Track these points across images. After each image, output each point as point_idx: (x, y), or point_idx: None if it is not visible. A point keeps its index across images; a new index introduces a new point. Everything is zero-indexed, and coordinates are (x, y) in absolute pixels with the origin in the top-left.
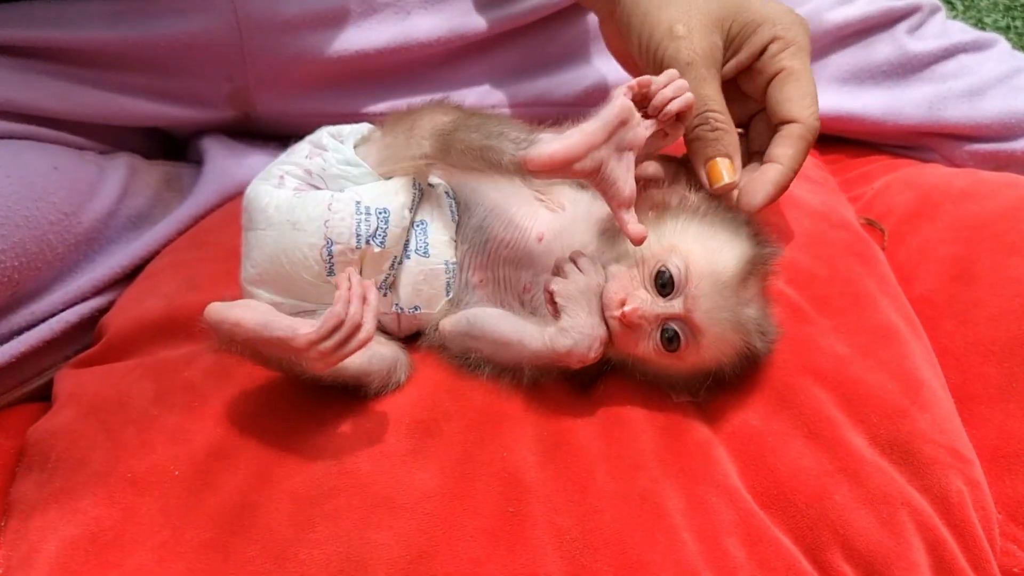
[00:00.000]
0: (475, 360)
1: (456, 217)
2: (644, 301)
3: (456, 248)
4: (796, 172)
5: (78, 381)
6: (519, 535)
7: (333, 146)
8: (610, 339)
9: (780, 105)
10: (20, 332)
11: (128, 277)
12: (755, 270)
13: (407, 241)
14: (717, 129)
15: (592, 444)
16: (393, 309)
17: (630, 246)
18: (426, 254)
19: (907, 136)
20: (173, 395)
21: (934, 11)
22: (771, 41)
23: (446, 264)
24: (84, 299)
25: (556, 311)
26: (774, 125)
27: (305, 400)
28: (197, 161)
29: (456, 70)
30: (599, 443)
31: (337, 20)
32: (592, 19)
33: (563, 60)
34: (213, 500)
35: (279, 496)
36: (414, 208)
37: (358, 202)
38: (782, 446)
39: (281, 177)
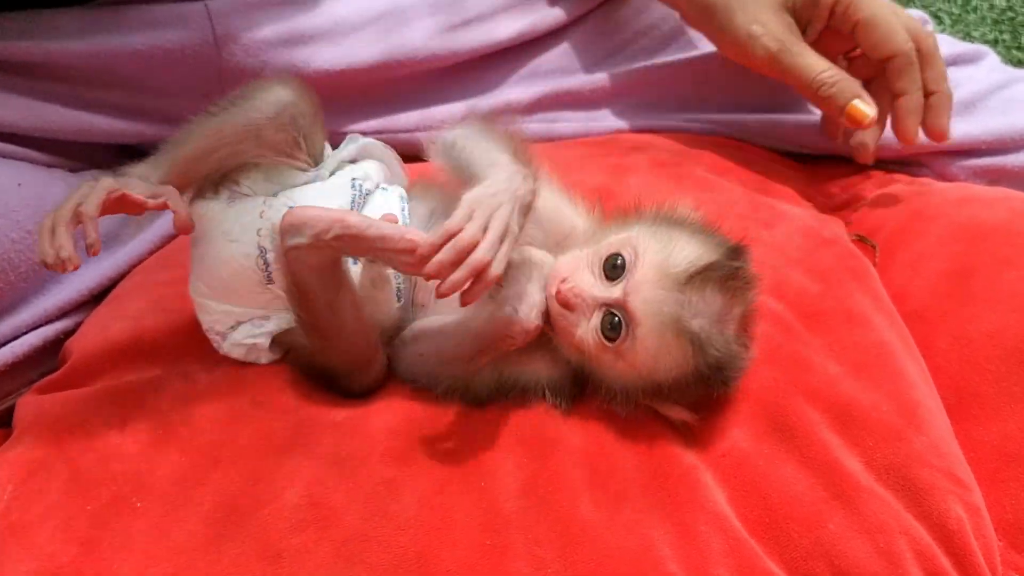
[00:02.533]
0: (425, 377)
1: (407, 221)
2: (584, 281)
3: None
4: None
5: (39, 408)
6: (498, 568)
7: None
8: (549, 322)
9: (874, 50)
10: None
11: (96, 299)
12: (713, 276)
13: None
14: (834, 83)
15: (574, 472)
16: None
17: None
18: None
19: (899, 153)
20: (137, 423)
21: (922, 24)
22: (835, 4)
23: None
24: (49, 321)
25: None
26: (878, 63)
27: (274, 428)
28: None
29: (438, 89)
30: (581, 471)
31: (317, 38)
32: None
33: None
34: (177, 533)
35: (246, 529)
36: (355, 209)
37: (291, 207)
38: (774, 471)
39: (215, 186)
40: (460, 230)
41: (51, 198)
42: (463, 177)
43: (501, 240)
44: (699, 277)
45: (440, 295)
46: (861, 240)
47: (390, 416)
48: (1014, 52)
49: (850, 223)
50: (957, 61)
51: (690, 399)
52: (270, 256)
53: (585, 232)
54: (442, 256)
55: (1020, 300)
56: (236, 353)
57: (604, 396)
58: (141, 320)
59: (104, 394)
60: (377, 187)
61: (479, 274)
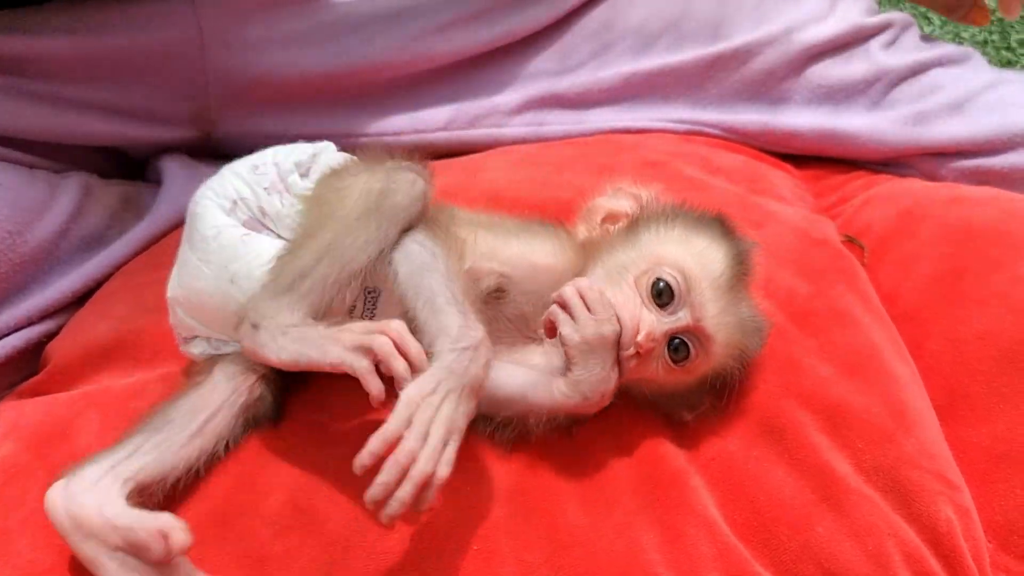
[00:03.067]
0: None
1: None
2: (652, 322)
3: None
4: None
5: (20, 412)
6: (486, 574)
7: (295, 187)
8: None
9: None
10: None
11: (80, 301)
12: (743, 267)
13: (352, 307)
14: None
15: (562, 475)
16: None
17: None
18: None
19: (888, 155)
20: (119, 428)
21: (907, 26)
22: None
23: None
24: (31, 323)
25: (561, 348)
26: None
27: (256, 432)
28: (156, 181)
29: (424, 92)
30: (569, 474)
31: (302, 40)
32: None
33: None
34: None
35: (228, 535)
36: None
37: None
38: (763, 474)
39: (235, 203)
40: (397, 438)
41: (32, 197)
42: (408, 318)
43: (444, 443)
44: (736, 277)
45: (388, 520)
46: (850, 241)
47: (377, 422)
48: (1003, 52)
49: (840, 224)
50: (944, 62)
51: (726, 387)
52: None
53: (576, 259)
54: (384, 478)
55: (1010, 301)
56: (195, 351)
57: (631, 402)
58: (123, 323)
59: (85, 398)
60: None
61: (422, 486)
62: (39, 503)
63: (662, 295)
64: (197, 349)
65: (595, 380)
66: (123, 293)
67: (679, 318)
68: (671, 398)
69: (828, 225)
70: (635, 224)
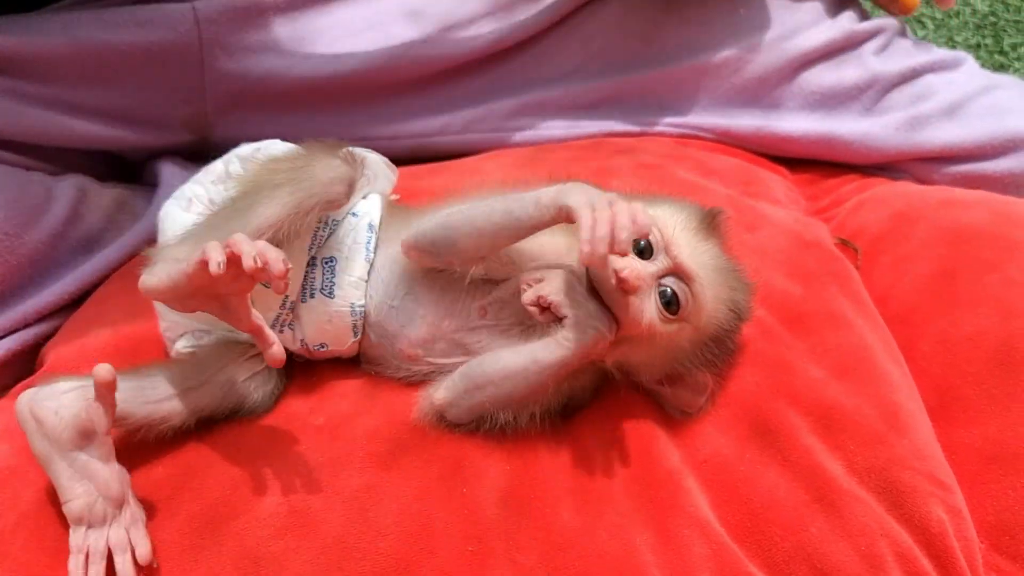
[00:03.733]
0: (493, 419)
1: (371, 256)
2: (638, 266)
3: (367, 290)
4: None
5: (13, 416)
6: (479, 575)
7: (234, 172)
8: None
9: None
10: None
11: (76, 303)
12: (713, 224)
13: (313, 279)
14: None
15: (556, 476)
16: (298, 345)
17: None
18: (331, 295)
19: (882, 160)
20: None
21: (899, 32)
22: None
23: (352, 307)
24: (27, 325)
25: (551, 314)
26: None
27: (250, 433)
28: (152, 185)
29: (419, 98)
30: (563, 475)
31: (300, 44)
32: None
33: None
34: (154, 541)
35: (224, 537)
36: (316, 245)
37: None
38: (756, 475)
39: (190, 200)
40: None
41: (29, 199)
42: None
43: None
44: (709, 226)
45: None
46: (844, 243)
47: (370, 421)
48: (996, 56)
49: (833, 226)
50: (936, 67)
51: (724, 353)
52: None
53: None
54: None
55: (1002, 303)
56: (180, 347)
57: (635, 382)
58: (119, 325)
59: None
60: (346, 216)
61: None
62: (33, 505)
63: (643, 252)
64: (182, 344)
65: (591, 312)
66: (119, 296)
67: (660, 261)
68: (678, 366)
69: (821, 228)
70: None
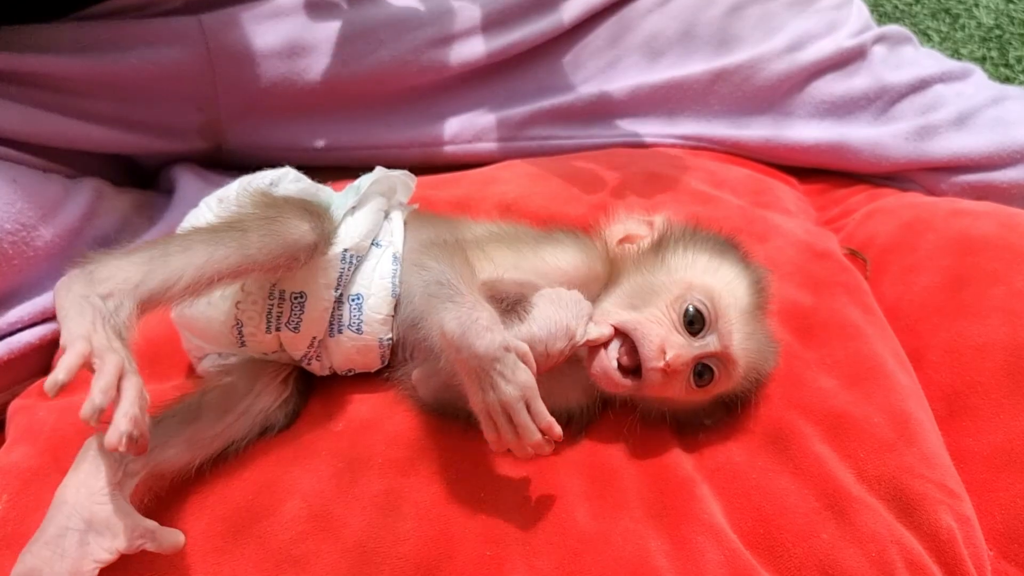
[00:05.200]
0: (452, 409)
1: (398, 291)
2: (682, 346)
3: (394, 324)
4: None
5: (33, 416)
6: None
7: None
8: (639, 386)
9: None
10: None
11: None
12: (763, 296)
13: (340, 315)
14: None
15: (572, 483)
16: (326, 372)
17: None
18: (359, 331)
19: (891, 169)
20: None
21: (903, 40)
22: None
23: (380, 341)
24: (46, 319)
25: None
26: None
27: (272, 439)
28: (168, 190)
29: (433, 103)
30: (579, 482)
31: (308, 51)
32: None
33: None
34: None
35: (247, 540)
36: (343, 284)
37: (273, 284)
38: (768, 483)
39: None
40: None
41: (47, 195)
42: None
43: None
44: (758, 305)
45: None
46: (853, 254)
47: (390, 427)
48: (1002, 69)
49: (842, 236)
50: (945, 78)
51: (737, 407)
52: (246, 330)
53: (602, 270)
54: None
55: (1010, 313)
56: (207, 366)
57: (644, 417)
58: (140, 327)
59: None
60: (371, 247)
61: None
62: None
63: (693, 323)
64: (208, 363)
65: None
66: None
67: (707, 343)
68: (685, 414)
69: (831, 238)
70: (660, 246)
